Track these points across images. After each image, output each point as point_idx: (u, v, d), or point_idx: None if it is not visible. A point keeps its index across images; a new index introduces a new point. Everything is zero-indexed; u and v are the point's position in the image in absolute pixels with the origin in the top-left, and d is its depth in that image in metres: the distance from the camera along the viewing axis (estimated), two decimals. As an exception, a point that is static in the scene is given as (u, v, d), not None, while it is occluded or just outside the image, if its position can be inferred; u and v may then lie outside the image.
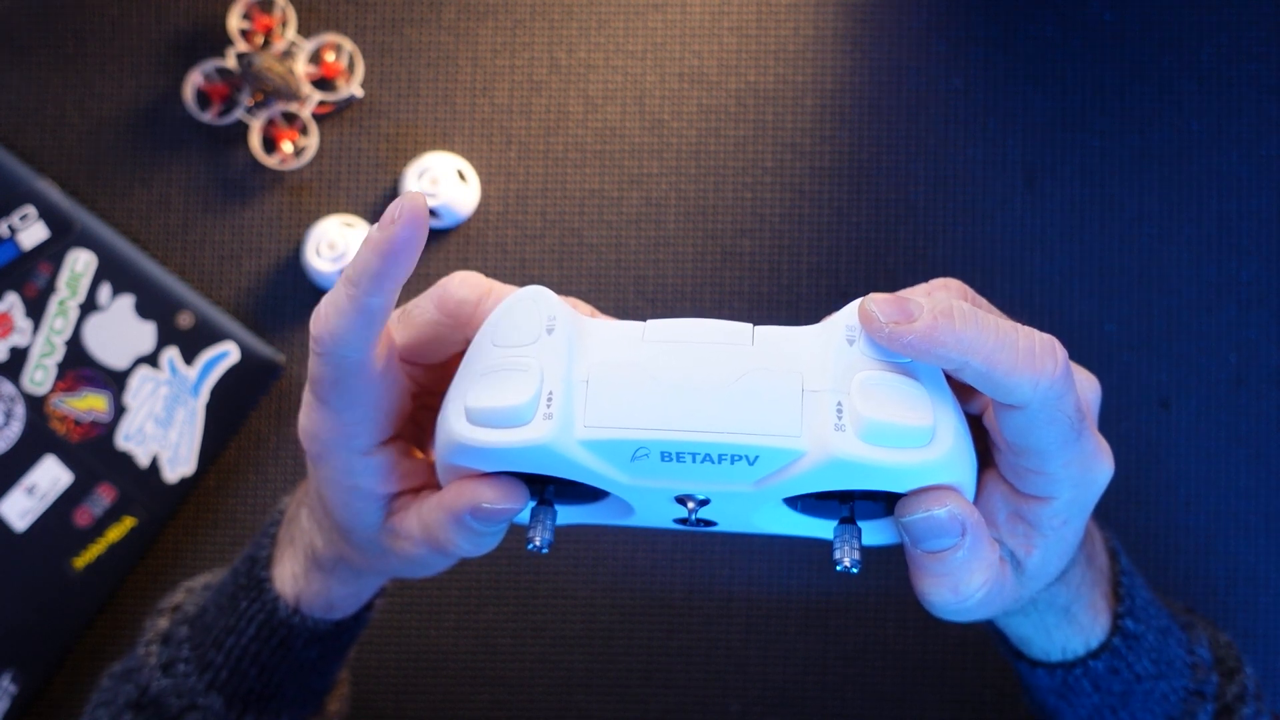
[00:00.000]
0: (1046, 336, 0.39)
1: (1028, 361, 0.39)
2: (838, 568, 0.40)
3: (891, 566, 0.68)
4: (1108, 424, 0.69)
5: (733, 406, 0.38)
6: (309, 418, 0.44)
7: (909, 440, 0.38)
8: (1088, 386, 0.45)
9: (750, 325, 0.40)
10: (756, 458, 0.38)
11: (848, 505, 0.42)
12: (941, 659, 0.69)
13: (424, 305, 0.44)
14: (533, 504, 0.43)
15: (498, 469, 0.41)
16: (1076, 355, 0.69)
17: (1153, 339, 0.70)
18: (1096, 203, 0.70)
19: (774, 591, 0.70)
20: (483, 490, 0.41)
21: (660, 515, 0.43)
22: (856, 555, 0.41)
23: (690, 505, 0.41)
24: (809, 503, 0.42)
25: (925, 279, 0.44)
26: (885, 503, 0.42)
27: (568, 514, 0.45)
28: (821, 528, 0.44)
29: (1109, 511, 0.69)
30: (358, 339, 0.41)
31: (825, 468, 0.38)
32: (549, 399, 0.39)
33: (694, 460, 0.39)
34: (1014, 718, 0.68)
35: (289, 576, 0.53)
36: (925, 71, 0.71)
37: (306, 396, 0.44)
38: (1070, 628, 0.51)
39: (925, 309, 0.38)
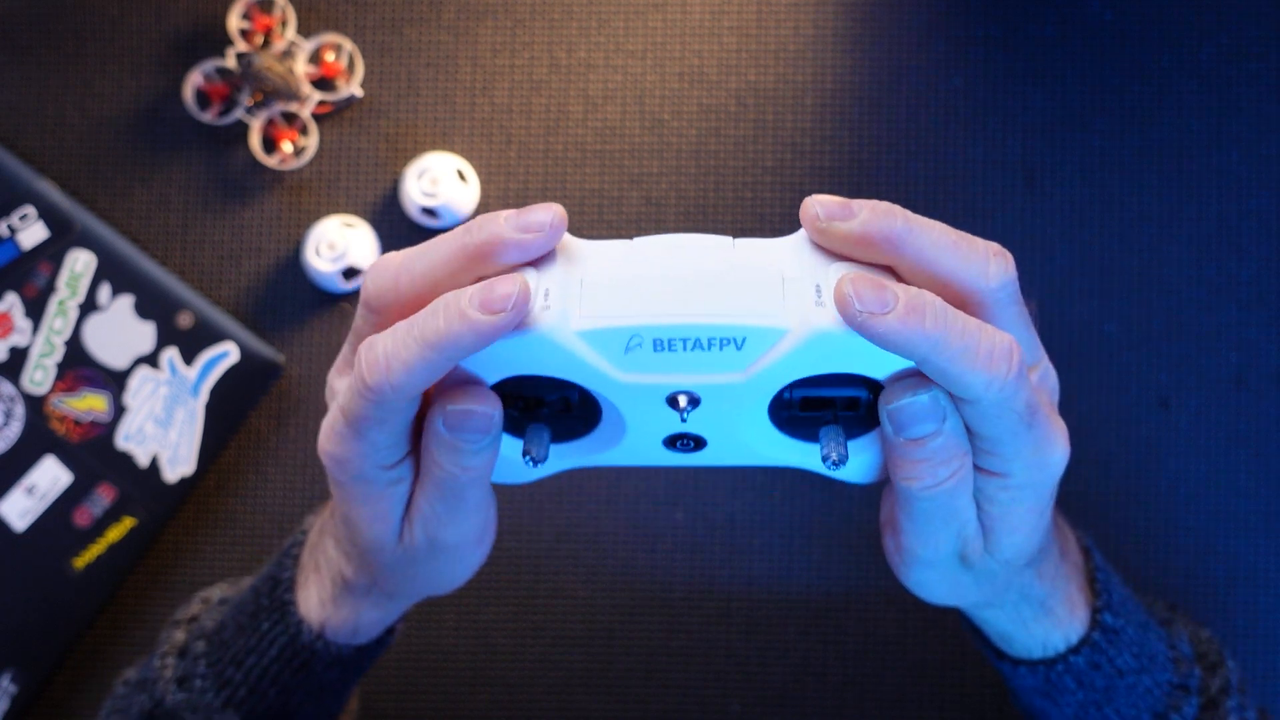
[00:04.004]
0: (1005, 338, 0.40)
1: (985, 363, 0.40)
2: (826, 463, 0.43)
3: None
4: (1108, 424, 0.69)
5: (720, 294, 0.41)
6: (341, 446, 0.44)
7: None
8: (1050, 375, 0.46)
9: (731, 237, 0.43)
10: (744, 339, 0.41)
11: (830, 411, 0.44)
12: (941, 659, 0.69)
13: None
14: (529, 426, 0.45)
15: (499, 371, 0.43)
16: (1076, 355, 0.70)
17: (1153, 339, 0.70)
18: (1096, 202, 0.70)
19: (774, 591, 0.70)
20: (452, 393, 0.43)
21: (652, 433, 0.45)
22: (843, 450, 0.43)
23: (682, 403, 0.42)
24: (795, 419, 0.44)
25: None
26: (866, 422, 0.44)
27: (561, 454, 0.47)
28: (808, 456, 0.46)
29: (1109, 511, 0.69)
30: (419, 389, 0.42)
31: (809, 345, 0.40)
32: (546, 294, 0.41)
33: (685, 347, 0.41)
34: (1013, 718, 0.68)
35: (315, 602, 0.53)
36: (925, 71, 0.71)
37: (339, 426, 0.44)
38: (1048, 620, 0.51)
39: (900, 301, 0.39)
